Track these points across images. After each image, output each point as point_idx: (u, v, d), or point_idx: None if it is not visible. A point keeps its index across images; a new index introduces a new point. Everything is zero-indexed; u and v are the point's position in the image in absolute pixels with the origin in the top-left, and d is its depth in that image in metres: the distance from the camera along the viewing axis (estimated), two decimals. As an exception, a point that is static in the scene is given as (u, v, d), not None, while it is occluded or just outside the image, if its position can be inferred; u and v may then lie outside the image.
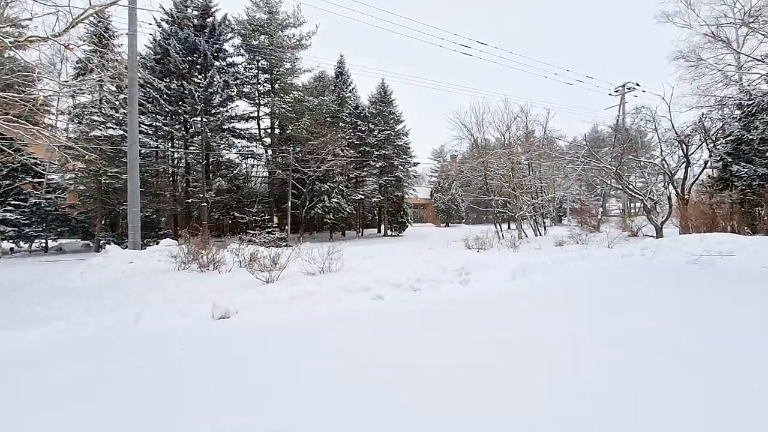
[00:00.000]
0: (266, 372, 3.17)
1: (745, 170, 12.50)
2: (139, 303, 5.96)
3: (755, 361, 3.14)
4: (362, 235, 27.93)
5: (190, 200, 21.25)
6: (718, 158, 14.01)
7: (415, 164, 29.06)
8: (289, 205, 21.41)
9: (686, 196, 14.73)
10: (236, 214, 22.02)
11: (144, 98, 20.06)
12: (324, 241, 18.55)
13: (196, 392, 2.84)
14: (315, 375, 3.06)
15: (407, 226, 28.12)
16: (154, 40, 22.02)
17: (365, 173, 26.39)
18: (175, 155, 23.11)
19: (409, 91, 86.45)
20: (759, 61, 15.22)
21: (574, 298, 5.95)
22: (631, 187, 19.04)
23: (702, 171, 15.42)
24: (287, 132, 24.94)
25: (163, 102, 20.84)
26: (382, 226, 28.12)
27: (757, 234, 10.64)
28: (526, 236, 18.56)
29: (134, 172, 12.92)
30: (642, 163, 18.74)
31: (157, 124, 21.76)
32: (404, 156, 27.40)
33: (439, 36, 46.37)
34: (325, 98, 25.27)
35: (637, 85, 24.13)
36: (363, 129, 25.44)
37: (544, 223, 22.60)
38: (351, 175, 25.09)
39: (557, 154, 22.91)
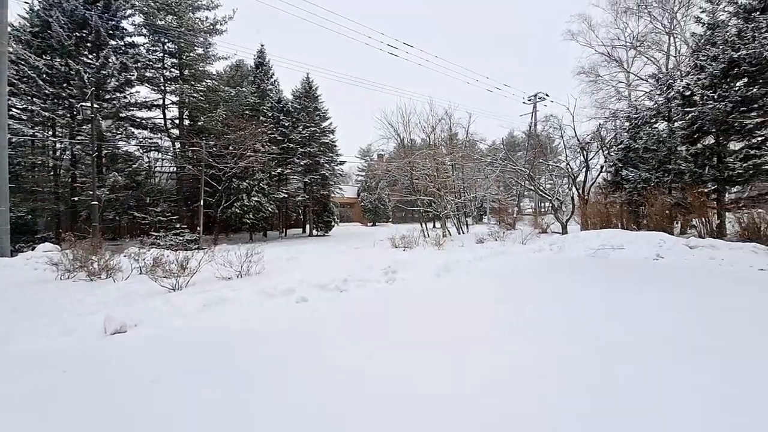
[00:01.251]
0: (171, 395, 2.83)
1: (632, 175, 14.67)
2: (7, 319, 5.02)
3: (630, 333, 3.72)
4: (286, 235, 27.06)
5: (77, 198, 18.56)
6: (611, 164, 16.25)
7: (342, 163, 28.99)
8: (202, 203, 19.84)
9: (586, 197, 16.88)
10: (136, 213, 19.78)
11: (15, 76, 17.06)
12: (243, 242, 17.57)
13: (77, 426, 2.46)
14: (227, 393, 2.81)
15: (334, 226, 27.93)
16: (31, 9, 18.89)
17: (289, 171, 25.58)
18: (58, 145, 20.01)
19: (336, 87, 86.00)
20: (643, 80, 17.98)
21: (490, 294, 6.47)
22: (541, 188, 21.21)
23: (599, 175, 17.79)
24: (199, 124, 23.11)
25: (42, 83, 17.91)
26: (308, 226, 27.56)
27: (641, 230, 12.56)
28: (450, 234, 19.61)
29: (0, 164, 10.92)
30: (550, 166, 20.99)
31: (34, 108, 18.65)
32: (330, 154, 27.15)
33: (366, 34, 46.64)
34: (244, 89, 23.92)
35: (547, 95, 26.98)
36: (286, 124, 24.63)
37: (466, 221, 24.10)
38: (273, 173, 24.13)
39: (478, 156, 24.65)
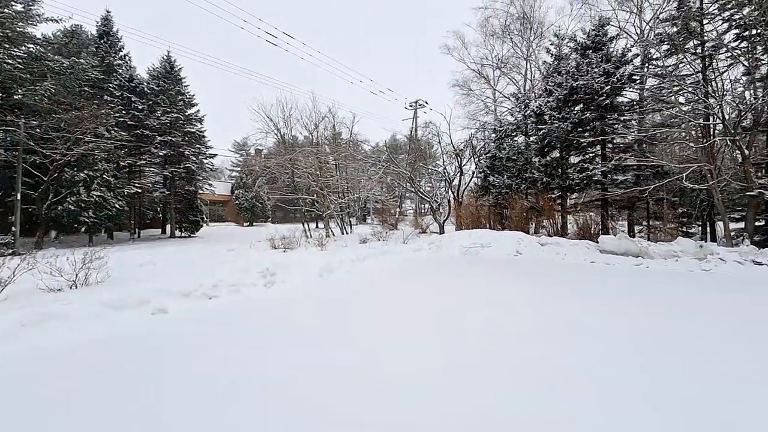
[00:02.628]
0: None
1: (498, 181, 16.58)
2: None
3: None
4: (139, 237, 23.17)
5: None
6: (481, 170, 18.14)
7: (213, 156, 26.19)
8: (19, 197, 15.52)
9: (460, 200, 18.54)
10: None
11: None
12: (81, 245, 14.32)
13: None
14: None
15: (202, 226, 25.05)
16: None
17: (144, 162, 21.97)
18: None
19: (206, 73, 78.46)
20: (506, 97, 20.56)
21: (373, 291, 6.43)
22: (421, 190, 22.61)
23: (471, 180, 19.74)
24: (15, 97, 18.11)
25: None
26: (168, 226, 24.13)
27: (505, 230, 14.22)
28: (334, 235, 19.37)
29: None
30: (430, 170, 22.51)
31: None
32: (198, 145, 24.25)
33: (242, 17, 43.60)
34: (82, 61, 19.65)
35: (426, 103, 29.05)
36: (141, 108, 21.09)
37: (350, 221, 24.24)
38: (122, 163, 20.40)
39: (362, 156, 25.07)
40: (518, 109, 18.37)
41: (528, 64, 22.20)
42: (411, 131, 27.57)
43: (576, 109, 15.26)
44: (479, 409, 2.41)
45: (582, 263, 9.17)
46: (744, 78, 11.19)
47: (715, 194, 10.52)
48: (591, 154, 15.43)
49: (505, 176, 16.54)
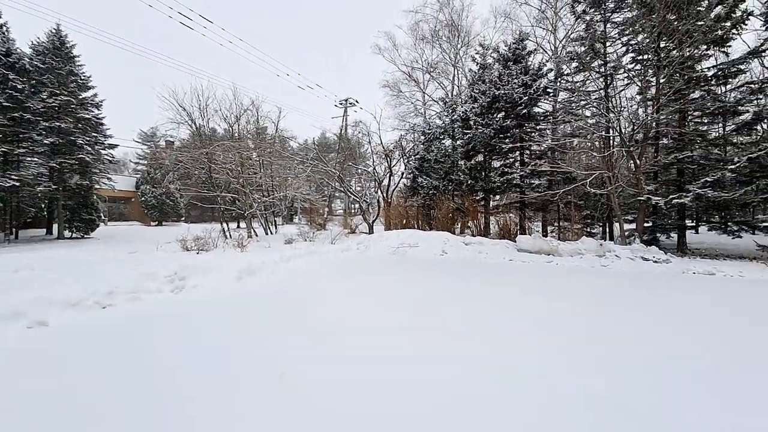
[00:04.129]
0: None
1: (426, 182, 17.15)
2: None
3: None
4: (17, 238, 19.93)
5: None
6: (410, 171, 18.63)
7: (113, 146, 23.45)
8: None
9: (390, 200, 18.83)
10: None
11: None
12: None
13: None
14: None
15: (98, 225, 22.25)
16: None
17: (24, 150, 18.92)
18: None
19: (106, 52, 70.40)
20: (435, 101, 21.37)
21: (294, 293, 6.27)
22: (351, 190, 22.56)
23: (400, 180, 20.17)
24: None
25: None
26: (56, 226, 21.05)
27: (432, 230, 14.73)
28: (257, 235, 18.48)
29: None
30: (360, 170, 22.55)
31: None
32: (94, 134, 21.48)
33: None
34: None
35: (357, 101, 29.16)
36: (21, 87, 18.15)
37: (275, 221, 23.33)
38: (-4, 149, 17.36)
39: (289, 153, 24.31)
40: (446, 113, 19.20)
41: (456, 70, 23.40)
42: (341, 129, 27.46)
43: (498, 116, 16.34)
44: (396, 409, 2.39)
45: (502, 261, 9.88)
46: (638, 97, 12.88)
47: (613, 198, 11.95)
48: (511, 159, 16.66)
49: (433, 178, 17.16)
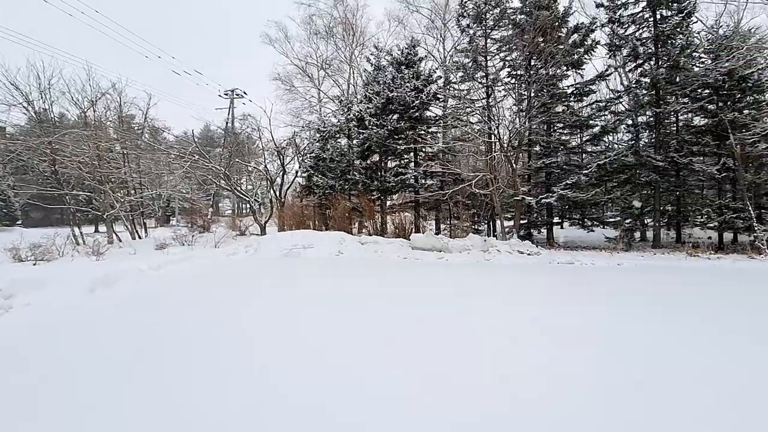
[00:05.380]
0: None
1: (322, 181, 16.73)
2: None
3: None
4: None
5: None
6: (305, 170, 18.00)
7: None
8: None
9: (283, 200, 17.93)
10: None
11: None
12: None
13: None
14: None
15: None
16: None
17: None
18: None
19: None
20: (331, 99, 21.08)
21: (163, 305, 5.55)
22: (239, 189, 20.92)
23: (294, 179, 19.36)
24: None
25: None
26: None
27: (329, 230, 14.39)
28: (120, 240, 15.87)
29: None
30: (251, 167, 21.07)
31: None
32: None
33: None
34: None
35: (245, 93, 27.17)
36: None
37: (145, 224, 20.38)
38: None
39: (165, 146, 21.47)
40: (341, 112, 19.02)
41: (351, 69, 23.41)
42: (227, 122, 25.31)
43: (393, 117, 16.72)
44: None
45: (396, 259, 10.17)
46: (514, 108, 14.40)
47: (495, 198, 13.13)
48: (406, 160, 17.23)
49: (330, 177, 16.84)
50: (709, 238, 13.02)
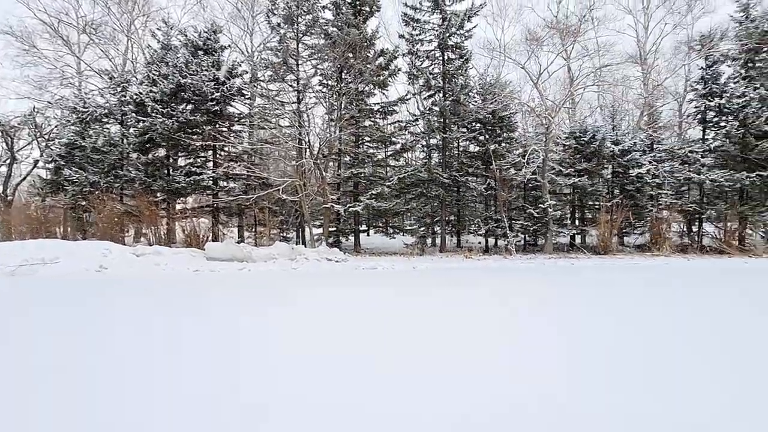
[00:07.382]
0: None
1: (79, 176, 12.73)
2: None
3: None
4: None
5: None
6: (52, 159, 13.42)
7: None
8: None
9: (11, 198, 12.78)
10: None
11: None
12: None
13: None
14: None
15: None
16: None
17: None
18: None
19: None
20: (97, 73, 16.59)
21: None
22: None
23: (31, 170, 14.17)
24: None
25: None
26: None
27: (88, 238, 10.91)
28: None
29: None
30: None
31: None
32: None
33: None
34: None
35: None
36: None
37: None
38: None
39: None
40: (112, 92, 15.15)
41: (130, 42, 19.09)
42: None
43: (186, 108, 14.29)
44: None
45: (184, 273, 8.38)
46: (326, 116, 14.35)
47: (304, 205, 12.66)
48: (203, 158, 14.89)
49: (91, 172, 13.00)
50: (479, 243, 15.90)
